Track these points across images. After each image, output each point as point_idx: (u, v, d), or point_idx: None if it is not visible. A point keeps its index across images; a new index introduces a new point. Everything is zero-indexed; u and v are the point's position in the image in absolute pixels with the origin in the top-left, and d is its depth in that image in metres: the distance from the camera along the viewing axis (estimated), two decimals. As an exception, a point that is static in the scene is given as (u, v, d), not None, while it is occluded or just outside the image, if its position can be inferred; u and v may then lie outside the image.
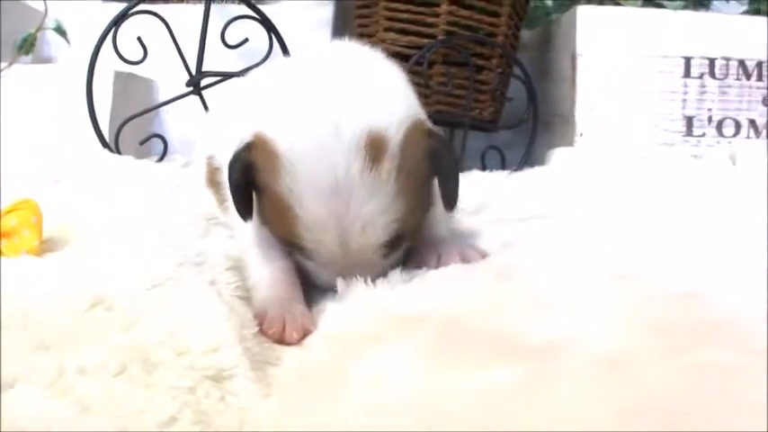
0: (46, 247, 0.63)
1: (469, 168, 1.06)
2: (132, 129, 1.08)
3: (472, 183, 0.97)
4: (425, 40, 1.07)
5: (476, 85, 1.07)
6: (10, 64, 1.08)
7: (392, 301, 0.58)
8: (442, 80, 1.07)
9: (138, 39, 1.05)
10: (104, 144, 1.04)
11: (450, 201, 0.61)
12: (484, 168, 1.09)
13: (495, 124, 1.12)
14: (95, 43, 1.03)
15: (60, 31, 1.15)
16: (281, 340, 0.57)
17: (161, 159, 1.06)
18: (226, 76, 1.07)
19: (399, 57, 1.09)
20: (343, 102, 0.59)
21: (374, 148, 0.57)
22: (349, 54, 0.72)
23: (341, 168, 0.57)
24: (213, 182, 0.79)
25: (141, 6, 1.04)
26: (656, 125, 1.09)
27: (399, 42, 1.09)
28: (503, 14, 1.09)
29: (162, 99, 1.16)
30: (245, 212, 0.62)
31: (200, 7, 1.07)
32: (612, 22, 1.09)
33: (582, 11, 1.09)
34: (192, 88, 1.07)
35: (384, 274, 0.62)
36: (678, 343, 0.44)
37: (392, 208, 0.59)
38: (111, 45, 1.03)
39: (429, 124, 0.65)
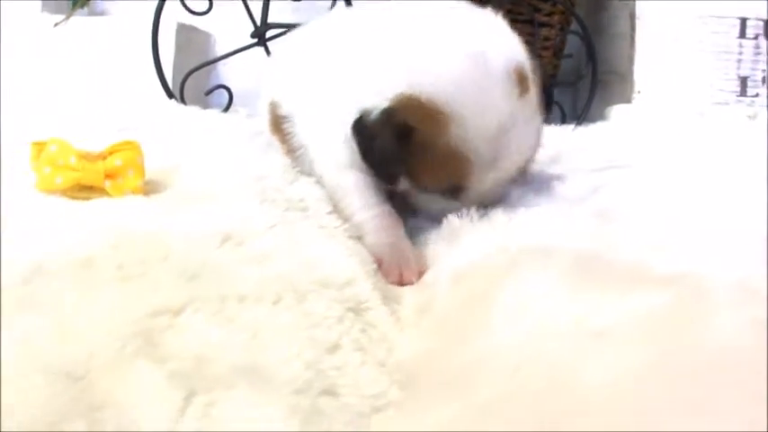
0: (148, 188, 0.63)
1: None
2: (192, 80, 1.07)
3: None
4: (490, -4, 1.05)
5: (537, 38, 1.06)
6: (68, 17, 1.07)
7: (510, 237, 0.58)
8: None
9: (202, -9, 1.04)
10: (170, 95, 1.03)
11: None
12: (545, 123, 1.08)
13: (554, 78, 1.11)
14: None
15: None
16: (400, 284, 0.57)
17: (226, 110, 1.05)
18: (290, 27, 1.06)
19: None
20: (482, 44, 0.61)
21: (521, 80, 0.61)
22: (441, 4, 0.71)
23: (503, 106, 0.59)
24: (278, 129, 0.79)
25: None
26: (711, 85, 1.09)
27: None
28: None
29: (221, 51, 1.15)
30: (394, 177, 0.63)
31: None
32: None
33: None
34: (256, 40, 1.06)
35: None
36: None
37: (538, 135, 0.65)
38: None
39: None
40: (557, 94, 1.12)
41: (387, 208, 0.67)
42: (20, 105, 0.95)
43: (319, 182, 0.72)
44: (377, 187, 0.67)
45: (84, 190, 0.59)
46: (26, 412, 0.30)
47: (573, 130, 1.01)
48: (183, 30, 1.09)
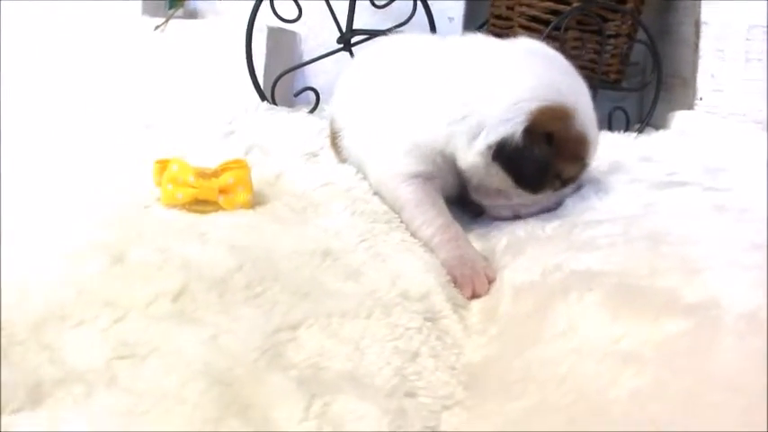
0: (256, 200, 0.74)
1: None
2: (281, 81, 1.17)
3: (603, 143, 1.03)
4: (561, 6, 1.11)
5: (606, 47, 1.11)
6: (167, 20, 1.17)
7: (565, 258, 0.66)
8: (575, 44, 1.11)
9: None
10: (263, 97, 1.13)
11: None
12: (610, 128, 1.14)
13: (619, 84, 1.16)
14: (254, 3, 1.11)
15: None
16: (474, 297, 0.68)
17: (313, 110, 1.15)
18: (374, 34, 1.15)
19: (536, 20, 1.14)
20: (554, 57, 0.79)
21: None
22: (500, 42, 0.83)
23: (590, 99, 0.79)
24: (334, 144, 0.89)
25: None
26: (772, 93, 1.11)
27: (537, 7, 1.13)
28: (634, -19, 1.11)
29: (306, 51, 1.25)
30: (544, 181, 0.76)
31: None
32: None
33: (710, -20, 1.11)
34: (342, 45, 1.15)
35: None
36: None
37: None
38: (269, 4, 1.10)
39: None
40: (622, 99, 1.17)
41: (445, 219, 0.77)
42: (128, 110, 1.08)
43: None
44: (433, 197, 0.78)
45: (201, 204, 0.71)
46: (185, 413, 0.41)
47: (635, 137, 1.06)
48: (273, 33, 1.19)
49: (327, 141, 0.97)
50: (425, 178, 0.79)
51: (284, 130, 1.00)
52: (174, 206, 0.70)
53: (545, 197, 0.78)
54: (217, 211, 0.71)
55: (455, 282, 0.69)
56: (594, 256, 0.67)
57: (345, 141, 0.90)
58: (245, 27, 1.13)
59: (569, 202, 0.82)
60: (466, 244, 0.75)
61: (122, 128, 0.98)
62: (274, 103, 1.15)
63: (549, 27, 1.10)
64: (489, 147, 0.72)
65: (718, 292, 0.57)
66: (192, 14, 1.33)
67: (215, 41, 1.18)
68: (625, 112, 1.15)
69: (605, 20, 1.12)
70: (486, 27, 1.28)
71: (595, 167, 0.92)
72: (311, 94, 1.17)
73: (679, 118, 1.15)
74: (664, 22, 1.30)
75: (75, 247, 0.58)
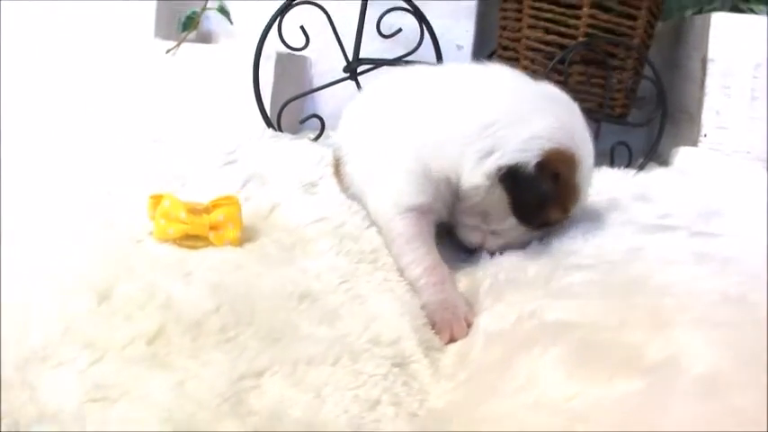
0: (245, 236, 0.78)
1: (599, 163, 1.14)
2: (290, 105, 1.21)
3: (601, 179, 1.05)
4: (566, 41, 1.13)
5: (611, 83, 1.13)
6: (178, 44, 1.22)
7: (540, 306, 0.69)
8: (580, 79, 1.13)
9: (301, 27, 1.17)
10: (268, 123, 1.18)
11: None
12: (612, 163, 1.15)
13: (624, 118, 1.18)
14: (262, 31, 1.16)
15: (223, 11, 1.28)
16: (451, 341, 0.71)
17: (318, 137, 1.19)
18: (379, 63, 1.18)
19: (540, 53, 1.16)
20: (573, 109, 0.83)
21: None
22: (528, 79, 0.87)
23: (592, 152, 0.83)
24: (337, 171, 0.94)
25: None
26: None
27: (542, 40, 1.16)
28: (640, 17, 1.13)
29: (315, 76, 1.29)
30: (539, 216, 0.80)
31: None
32: (745, 31, 1.12)
33: (717, 18, 1.13)
34: (348, 74, 1.18)
35: None
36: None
37: None
38: (276, 31, 1.14)
39: None
40: (626, 133, 1.18)
41: (434, 258, 0.80)
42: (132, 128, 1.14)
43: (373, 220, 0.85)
44: (426, 233, 0.81)
45: (192, 239, 0.75)
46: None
47: (634, 174, 1.08)
48: (282, 59, 1.23)
49: (330, 169, 1.00)
50: (421, 212, 0.82)
51: (285, 159, 1.03)
52: (166, 241, 0.74)
53: (519, 233, 0.81)
54: (207, 246, 0.75)
55: (434, 326, 0.72)
56: (569, 305, 0.69)
57: (348, 168, 0.93)
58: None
59: (556, 243, 0.84)
60: (451, 287, 0.78)
61: (125, 153, 1.02)
62: (280, 129, 1.18)
63: (554, 61, 1.12)
64: (499, 168, 0.76)
65: (681, 350, 0.59)
66: (206, 37, 1.38)
67: (225, 66, 1.23)
68: (628, 147, 1.16)
69: (611, 55, 1.14)
70: (494, 56, 1.30)
71: (591, 203, 0.95)
72: (318, 121, 1.21)
73: (682, 154, 1.16)
74: (671, 57, 1.31)
75: (65, 284, 0.62)
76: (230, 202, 0.78)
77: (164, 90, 1.22)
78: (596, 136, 1.13)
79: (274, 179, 0.98)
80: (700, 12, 1.22)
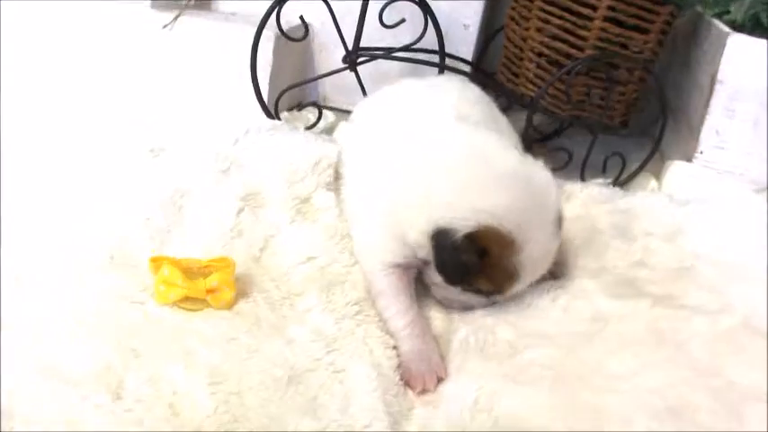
0: (239, 288, 0.87)
1: (592, 174, 1.20)
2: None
3: (589, 196, 1.13)
4: (573, 50, 1.13)
5: (614, 98, 1.15)
6: (176, 17, 1.22)
7: (496, 390, 0.80)
8: (582, 89, 1.15)
9: (301, 17, 1.16)
10: (265, 109, 1.21)
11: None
12: (604, 171, 1.21)
13: (625, 126, 1.21)
14: (259, 22, 1.14)
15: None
16: (422, 393, 0.83)
17: (314, 126, 1.23)
18: (379, 55, 1.19)
19: (545, 57, 1.17)
20: (542, 194, 0.87)
21: (558, 222, 0.89)
22: (510, 154, 0.91)
23: (549, 241, 0.88)
24: (336, 181, 1.04)
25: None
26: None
27: (548, 45, 1.16)
28: (653, 31, 1.12)
29: (315, 60, 1.29)
30: (461, 281, 0.88)
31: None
32: (758, 55, 1.11)
33: (733, 40, 1.12)
34: (347, 65, 1.20)
35: None
36: None
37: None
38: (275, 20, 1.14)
39: None
40: (621, 144, 1.22)
41: (415, 312, 0.90)
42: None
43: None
44: (408, 288, 0.91)
45: (191, 301, 0.84)
46: None
47: (621, 197, 1.14)
48: (279, 40, 1.23)
49: (330, 175, 1.07)
50: (403, 269, 0.92)
51: (280, 166, 1.08)
52: (167, 304, 0.83)
53: (467, 297, 0.90)
54: (204, 308, 0.84)
55: (409, 375, 0.84)
56: (523, 393, 0.80)
57: (343, 187, 1.02)
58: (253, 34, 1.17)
59: (527, 298, 0.93)
60: (428, 339, 0.89)
61: (120, 166, 1.07)
62: (277, 116, 1.22)
63: (561, 73, 1.13)
64: (434, 228, 0.85)
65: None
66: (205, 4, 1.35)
67: (224, 44, 1.23)
68: (622, 158, 1.20)
69: (615, 66, 1.14)
70: (502, 32, 1.30)
71: (570, 233, 1.04)
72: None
73: (674, 169, 1.20)
74: (685, 57, 1.30)
75: (76, 374, 0.73)
76: (225, 264, 0.87)
77: (161, 68, 1.24)
78: (591, 147, 1.18)
79: (269, 196, 1.04)
80: (726, 13, 1.19)
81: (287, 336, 0.84)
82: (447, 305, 0.93)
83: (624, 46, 1.13)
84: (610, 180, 1.22)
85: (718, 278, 0.98)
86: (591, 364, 0.84)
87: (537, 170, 0.88)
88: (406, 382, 0.85)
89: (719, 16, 1.21)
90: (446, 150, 0.90)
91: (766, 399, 0.78)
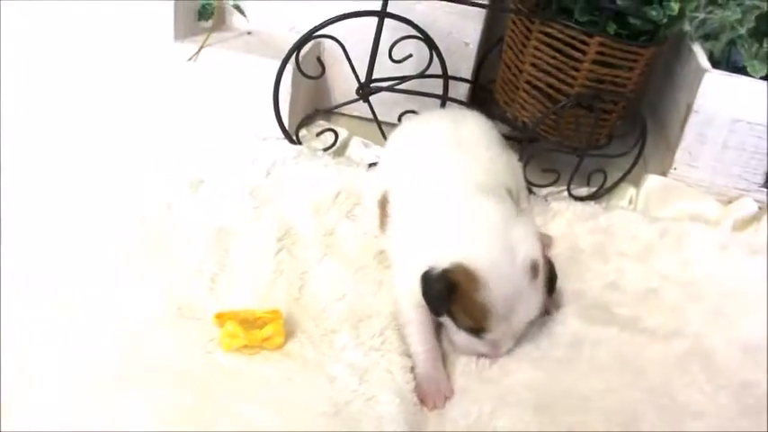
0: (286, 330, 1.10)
1: (576, 187, 1.40)
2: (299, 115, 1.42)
3: (572, 213, 1.35)
4: (564, 87, 1.30)
5: (599, 122, 1.33)
6: (199, 50, 1.36)
7: (491, 410, 1.05)
8: (570, 120, 1.33)
9: (318, 59, 1.31)
10: (289, 139, 1.38)
11: (553, 285, 1.11)
12: (588, 184, 1.41)
13: (607, 145, 1.40)
14: (280, 63, 1.30)
15: (239, 9, 1.39)
16: (431, 409, 1.07)
17: (330, 147, 1.41)
18: (390, 89, 1.35)
19: (539, 90, 1.33)
20: (515, 242, 1.03)
21: (534, 270, 1.04)
22: (501, 201, 1.11)
23: (519, 285, 1.02)
24: (383, 205, 1.22)
25: (322, 31, 1.28)
26: (740, 175, 1.37)
27: (541, 79, 1.32)
28: (637, 69, 1.28)
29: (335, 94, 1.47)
30: (440, 311, 1.07)
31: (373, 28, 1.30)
32: (730, 90, 1.29)
33: (708, 78, 1.28)
34: (360, 96, 1.37)
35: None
36: None
37: (539, 302, 1.06)
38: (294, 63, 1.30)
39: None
40: (602, 163, 1.41)
41: (433, 342, 1.13)
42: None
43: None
44: (431, 321, 1.14)
45: (249, 347, 1.08)
46: None
47: (603, 211, 1.35)
48: (297, 73, 1.38)
49: (376, 202, 1.25)
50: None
51: (305, 201, 1.29)
52: (230, 350, 1.07)
53: (470, 340, 1.08)
54: (261, 351, 1.08)
55: (423, 394, 1.08)
56: (509, 414, 1.02)
57: (391, 219, 1.20)
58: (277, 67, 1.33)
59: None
60: (440, 365, 1.11)
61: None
62: (299, 141, 1.40)
63: (550, 111, 1.30)
64: (428, 267, 1.05)
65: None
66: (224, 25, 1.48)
67: (247, 75, 1.38)
68: (604, 173, 1.40)
69: (603, 99, 1.31)
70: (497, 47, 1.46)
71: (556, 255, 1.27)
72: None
73: (649, 183, 1.41)
74: (664, 87, 1.46)
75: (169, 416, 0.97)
76: (275, 316, 1.09)
77: (185, 98, 1.40)
78: (576, 168, 1.38)
79: (300, 232, 1.25)
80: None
81: (329, 374, 1.08)
82: (460, 351, 1.13)
83: (611, 83, 1.29)
84: (594, 188, 1.42)
85: (679, 299, 1.22)
86: (567, 387, 1.09)
87: (518, 226, 1.06)
88: (420, 400, 1.09)
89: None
90: (455, 214, 1.10)
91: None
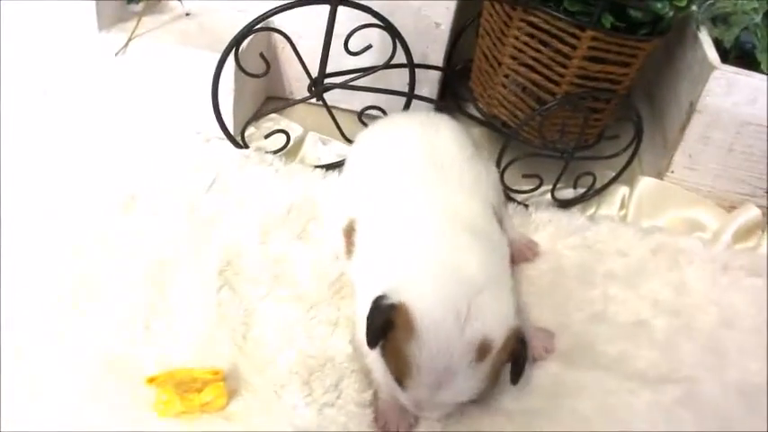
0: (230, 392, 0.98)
1: (561, 188, 1.26)
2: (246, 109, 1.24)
3: (559, 225, 1.21)
4: (549, 84, 1.13)
5: (589, 123, 1.18)
6: (129, 40, 1.16)
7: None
8: (556, 121, 1.17)
9: (261, 55, 1.13)
10: (233, 142, 1.21)
11: (517, 377, 0.93)
12: (575, 187, 1.26)
13: (597, 143, 1.24)
14: (219, 57, 1.11)
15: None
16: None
17: (282, 149, 1.24)
18: (346, 85, 1.17)
19: (518, 85, 1.16)
20: (470, 310, 0.85)
21: (482, 351, 0.86)
22: (484, 250, 0.95)
23: (455, 359, 0.85)
24: (348, 233, 1.07)
25: (264, 23, 1.09)
26: (743, 180, 1.23)
27: (522, 74, 1.15)
28: (634, 65, 1.12)
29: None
30: (372, 344, 0.91)
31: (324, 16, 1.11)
32: (739, 89, 1.13)
33: (715, 76, 1.11)
34: (313, 94, 1.19)
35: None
36: None
37: (478, 387, 0.90)
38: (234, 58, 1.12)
39: (519, 326, 0.91)
40: (590, 165, 1.26)
41: None
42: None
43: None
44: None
45: (188, 413, 0.96)
46: None
47: (588, 221, 1.21)
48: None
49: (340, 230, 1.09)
50: None
51: (251, 221, 1.14)
52: (166, 417, 0.95)
53: (393, 388, 0.93)
54: (201, 414, 0.97)
55: (384, 418, 0.98)
56: None
57: (357, 248, 1.04)
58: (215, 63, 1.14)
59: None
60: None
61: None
62: (245, 145, 1.23)
63: (536, 113, 1.14)
64: (383, 292, 0.90)
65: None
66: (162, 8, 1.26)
67: (183, 70, 1.19)
68: (593, 177, 1.25)
69: (595, 98, 1.15)
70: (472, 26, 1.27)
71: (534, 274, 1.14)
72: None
73: (643, 185, 1.27)
74: (664, 78, 1.29)
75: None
76: (216, 377, 0.97)
77: (114, 94, 1.21)
78: (563, 171, 1.23)
79: (244, 261, 1.11)
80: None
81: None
82: (382, 394, 0.99)
83: (604, 80, 1.12)
84: (582, 191, 1.27)
85: (671, 332, 1.11)
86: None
87: (489, 292, 0.89)
88: (382, 426, 0.98)
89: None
90: (428, 249, 0.94)
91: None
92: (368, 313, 0.90)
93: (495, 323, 0.87)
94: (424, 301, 0.86)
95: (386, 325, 0.88)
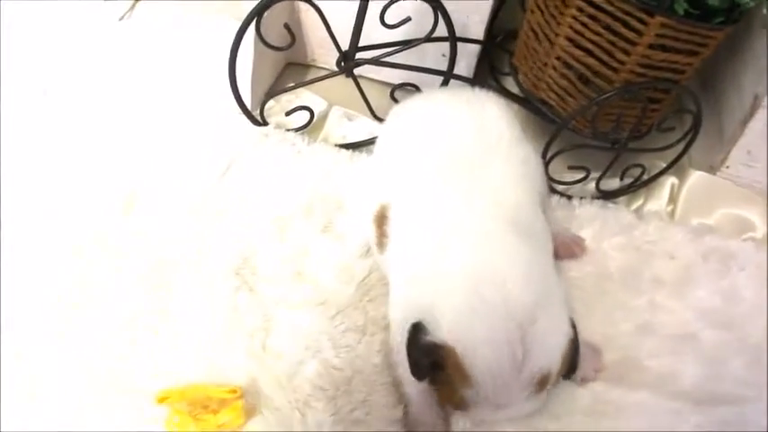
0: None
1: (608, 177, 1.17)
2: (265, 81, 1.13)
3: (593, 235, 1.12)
4: (608, 72, 1.03)
5: (646, 113, 1.08)
6: (134, 3, 1.03)
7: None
8: (612, 112, 1.07)
9: (286, 25, 1.00)
10: (252, 119, 1.10)
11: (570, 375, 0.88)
12: (621, 179, 1.17)
13: (648, 133, 1.14)
14: (238, 29, 0.98)
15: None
16: None
17: (304, 127, 1.13)
18: (379, 61, 1.06)
19: (572, 69, 1.05)
20: (525, 347, 0.78)
21: (541, 384, 0.81)
22: (519, 237, 0.86)
23: (514, 395, 0.80)
24: (380, 221, 0.97)
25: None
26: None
27: (578, 59, 1.04)
28: (704, 53, 1.01)
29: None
30: (420, 379, 0.85)
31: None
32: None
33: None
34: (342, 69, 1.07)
35: None
36: None
37: (538, 408, 0.85)
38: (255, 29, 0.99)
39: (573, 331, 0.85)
40: (640, 157, 1.16)
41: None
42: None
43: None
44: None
45: (202, 431, 0.89)
46: None
47: (637, 226, 1.13)
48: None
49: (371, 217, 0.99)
50: None
51: (268, 214, 1.04)
52: (180, 437, 0.89)
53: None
54: (217, 432, 0.90)
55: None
56: None
57: (390, 242, 0.94)
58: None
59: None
60: (434, 410, 0.92)
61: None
62: (264, 122, 1.11)
63: (592, 102, 1.03)
64: (419, 318, 0.82)
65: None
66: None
67: (195, 38, 1.07)
68: (643, 169, 1.16)
69: (655, 89, 1.04)
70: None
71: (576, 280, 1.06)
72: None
73: (695, 181, 1.18)
74: (725, 70, 1.18)
75: None
76: (234, 395, 0.89)
77: (119, 67, 1.08)
78: (612, 162, 1.13)
79: (262, 259, 1.02)
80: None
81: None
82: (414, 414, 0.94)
83: (667, 69, 1.02)
84: (627, 182, 1.18)
85: (720, 348, 1.04)
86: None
87: (547, 313, 0.81)
88: None
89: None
90: (472, 256, 0.84)
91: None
92: (407, 344, 0.83)
93: (553, 352, 0.82)
94: (475, 347, 0.78)
95: (435, 366, 0.81)
